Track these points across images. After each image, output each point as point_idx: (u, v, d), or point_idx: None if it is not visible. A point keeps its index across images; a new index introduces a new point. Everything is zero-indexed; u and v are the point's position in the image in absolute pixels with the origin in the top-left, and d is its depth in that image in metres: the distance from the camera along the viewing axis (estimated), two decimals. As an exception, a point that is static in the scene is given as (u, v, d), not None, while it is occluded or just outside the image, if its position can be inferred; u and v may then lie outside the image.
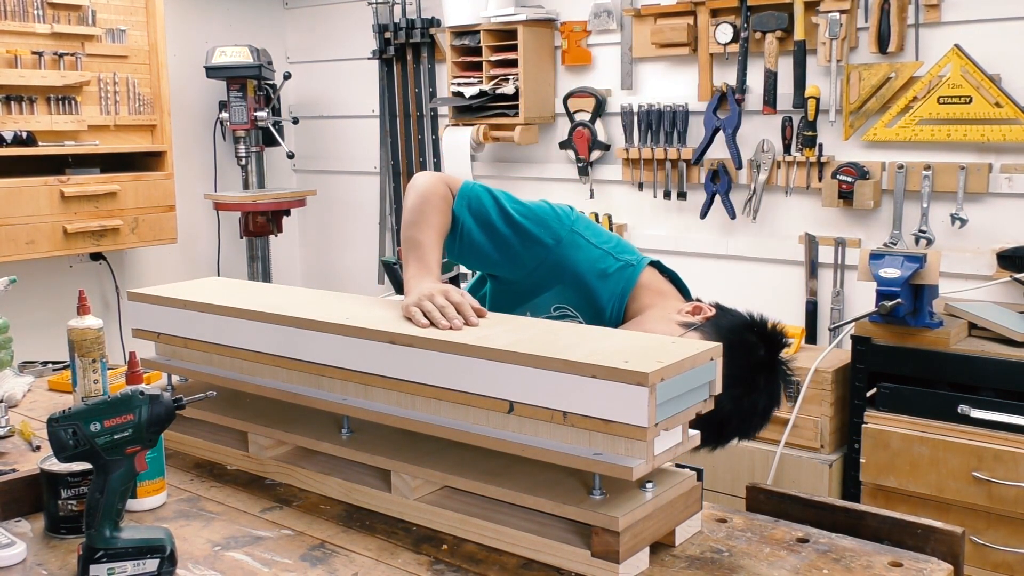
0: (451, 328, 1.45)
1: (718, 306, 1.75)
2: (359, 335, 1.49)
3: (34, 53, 3.55)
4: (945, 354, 2.63)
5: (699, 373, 1.30)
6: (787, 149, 3.33)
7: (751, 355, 1.61)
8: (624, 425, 1.22)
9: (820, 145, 3.24)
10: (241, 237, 4.42)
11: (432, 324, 1.47)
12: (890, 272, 2.60)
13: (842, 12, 3.09)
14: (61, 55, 3.60)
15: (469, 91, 3.84)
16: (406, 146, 4.41)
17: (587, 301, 1.81)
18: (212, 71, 4.12)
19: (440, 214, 1.76)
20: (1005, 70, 2.92)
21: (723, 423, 1.56)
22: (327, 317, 1.56)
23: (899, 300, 2.58)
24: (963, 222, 3.00)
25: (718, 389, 1.34)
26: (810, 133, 3.24)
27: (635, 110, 3.63)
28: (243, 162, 4.35)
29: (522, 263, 1.80)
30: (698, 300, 1.80)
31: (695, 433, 1.36)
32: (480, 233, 1.79)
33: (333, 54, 4.72)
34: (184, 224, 4.16)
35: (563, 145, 3.85)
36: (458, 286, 2.89)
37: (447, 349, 1.38)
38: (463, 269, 3.42)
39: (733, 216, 3.46)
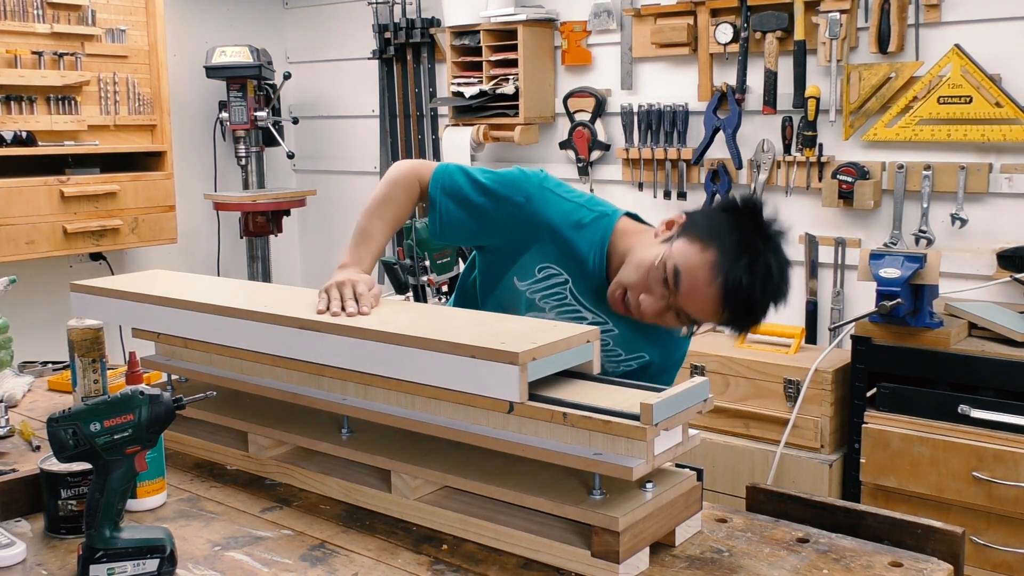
0: (339, 313, 1.58)
1: (687, 212, 1.78)
2: (283, 323, 1.57)
3: (34, 53, 3.55)
4: (945, 354, 2.63)
5: (573, 354, 1.39)
6: (787, 149, 3.33)
7: (735, 226, 1.63)
8: (621, 424, 1.22)
9: (820, 145, 3.24)
10: (241, 237, 4.42)
11: (328, 309, 1.60)
12: (890, 272, 2.60)
13: (842, 12, 3.09)
14: (61, 55, 3.60)
15: (469, 91, 3.84)
16: (406, 146, 4.41)
17: (567, 255, 1.82)
18: (212, 71, 4.12)
19: (398, 206, 1.86)
20: (1005, 70, 2.92)
21: (750, 296, 1.59)
22: (257, 307, 1.61)
23: (899, 300, 2.58)
24: (963, 222, 3.00)
25: (596, 368, 1.43)
26: (810, 133, 3.24)
27: (635, 110, 3.63)
28: (243, 162, 4.35)
29: (499, 227, 1.83)
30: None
31: (695, 433, 1.36)
32: (457, 209, 1.84)
33: (333, 54, 4.72)
34: (184, 224, 4.16)
35: (563, 145, 3.85)
36: (452, 288, 2.87)
37: (351, 334, 1.48)
38: (463, 268, 3.41)
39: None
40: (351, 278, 1.68)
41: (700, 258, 1.61)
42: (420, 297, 3.22)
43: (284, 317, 1.57)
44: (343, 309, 1.59)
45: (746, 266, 1.57)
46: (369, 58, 4.41)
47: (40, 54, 3.56)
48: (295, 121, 4.52)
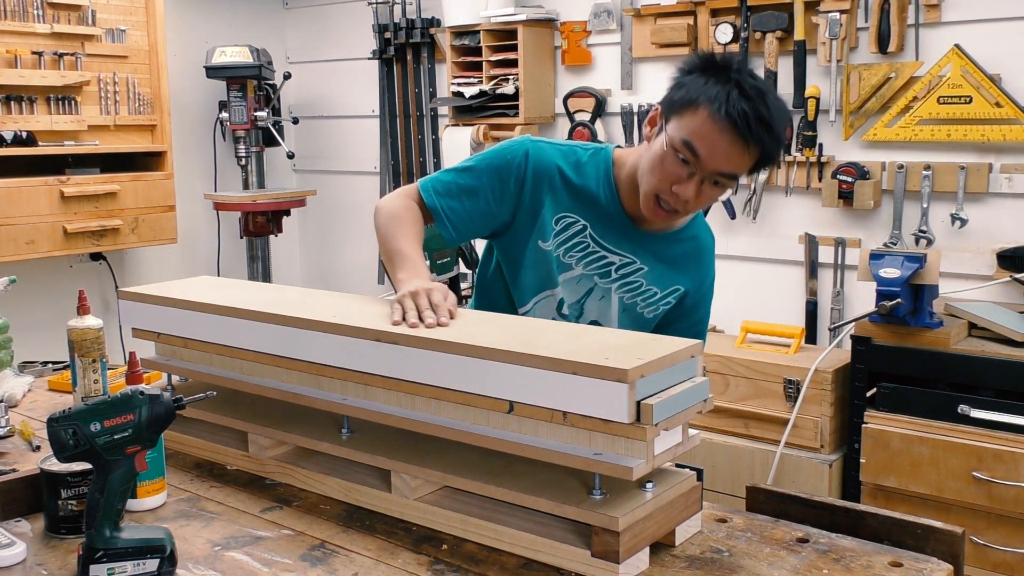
0: (417, 324, 1.48)
1: (660, 101, 1.78)
2: (359, 335, 1.49)
3: (34, 53, 3.55)
4: (945, 354, 2.63)
5: (679, 370, 1.31)
6: (787, 149, 3.33)
7: (707, 77, 1.65)
8: (619, 424, 1.22)
9: (820, 145, 3.24)
10: (241, 237, 4.42)
11: (405, 321, 1.49)
12: (890, 272, 2.60)
13: (842, 12, 3.09)
14: (61, 55, 3.60)
15: (469, 91, 3.84)
16: (406, 146, 4.41)
17: (579, 197, 1.84)
18: (212, 71, 4.12)
19: (411, 223, 1.80)
20: (1005, 70, 2.92)
21: (759, 115, 1.61)
22: (326, 317, 1.56)
23: (899, 300, 2.58)
24: (963, 222, 3.00)
25: (707, 394, 1.34)
26: (810, 133, 3.24)
27: (635, 110, 3.62)
28: (243, 162, 4.35)
29: (509, 193, 1.83)
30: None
31: (696, 433, 1.36)
32: (459, 202, 1.83)
33: (333, 54, 4.72)
34: (184, 224, 4.16)
35: (563, 145, 3.85)
36: (459, 286, 2.90)
37: (436, 347, 1.38)
38: (463, 268, 3.42)
39: (733, 216, 3.46)
40: (423, 286, 1.56)
41: (697, 118, 1.64)
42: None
43: (361, 329, 1.47)
44: (421, 320, 1.47)
45: (738, 95, 1.61)
46: (369, 58, 4.41)
47: (40, 54, 3.56)
48: (295, 121, 4.52)
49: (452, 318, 1.51)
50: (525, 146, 1.84)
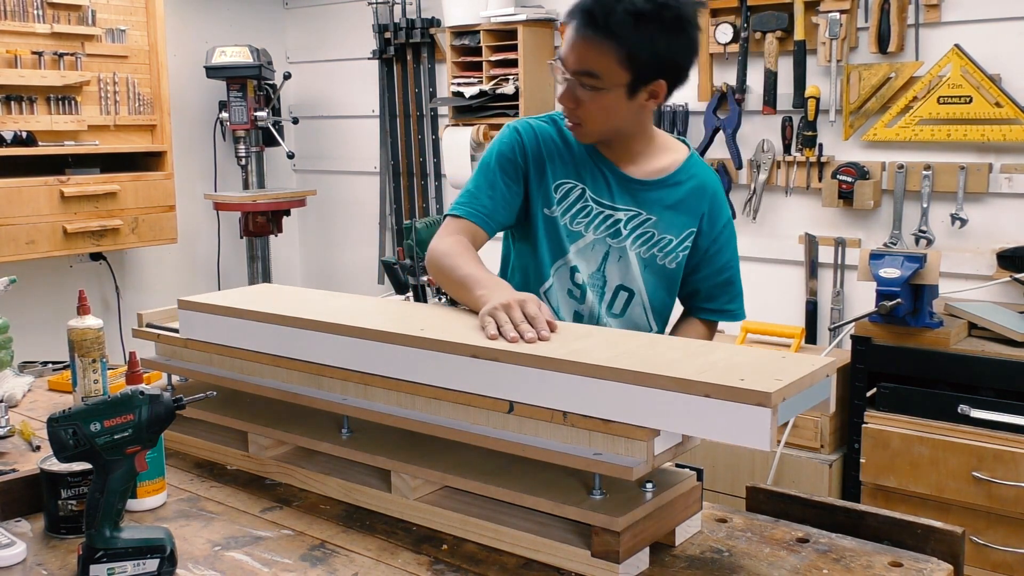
0: (516, 339, 1.39)
1: None
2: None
3: (34, 53, 3.55)
4: (945, 354, 2.63)
5: (815, 391, 1.24)
6: (787, 149, 3.33)
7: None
8: (625, 425, 1.22)
9: (820, 145, 3.24)
10: (241, 237, 4.42)
11: (501, 336, 1.41)
12: (890, 272, 2.60)
13: (842, 12, 3.09)
14: (61, 55, 3.60)
15: (469, 91, 3.84)
16: (406, 146, 4.41)
17: (574, 160, 1.88)
18: (212, 71, 4.12)
19: (465, 251, 1.78)
20: (1005, 70, 2.92)
21: (603, 4, 1.66)
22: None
23: (899, 300, 2.58)
24: (963, 222, 3.00)
25: (832, 408, 1.30)
26: (810, 133, 3.24)
27: (635, 110, 3.62)
28: (243, 162, 4.35)
29: (517, 168, 1.88)
30: None
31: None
32: (483, 199, 1.86)
33: (333, 54, 4.72)
34: (184, 224, 4.16)
35: (563, 145, 3.85)
36: None
37: (528, 363, 1.31)
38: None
39: (733, 216, 3.46)
40: (514, 297, 1.49)
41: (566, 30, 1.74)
42: (420, 297, 3.21)
43: (455, 344, 1.38)
44: (522, 336, 1.39)
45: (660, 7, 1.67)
46: (369, 58, 4.41)
47: (40, 54, 3.56)
48: (295, 121, 4.52)
49: (552, 331, 1.43)
50: (513, 126, 1.92)
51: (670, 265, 1.90)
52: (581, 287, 1.89)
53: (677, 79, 1.77)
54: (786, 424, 2.89)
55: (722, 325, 3.49)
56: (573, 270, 1.89)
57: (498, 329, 1.42)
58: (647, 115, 1.85)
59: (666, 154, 1.91)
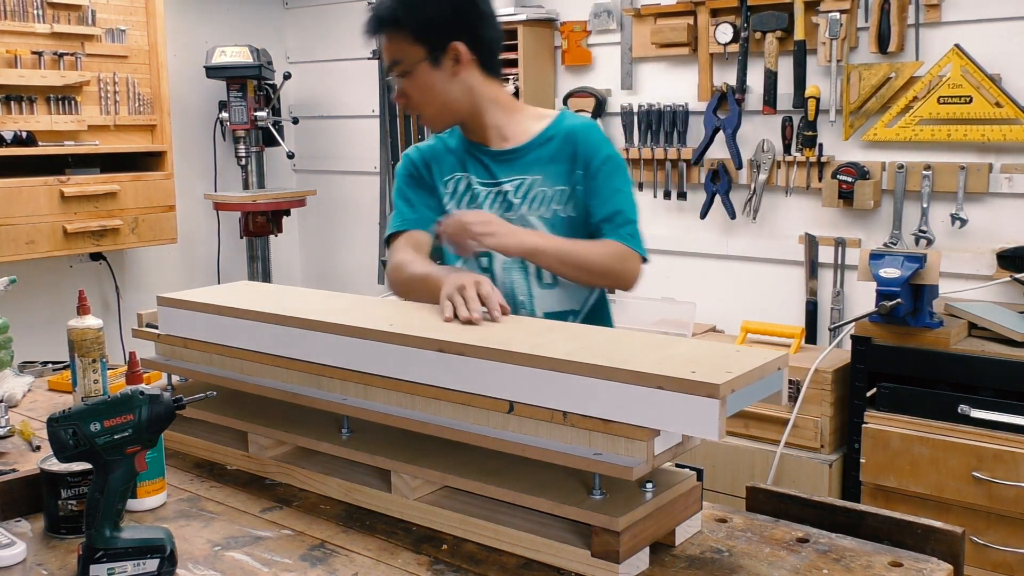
0: (470, 318, 1.49)
1: None
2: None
3: (34, 53, 3.55)
4: (945, 354, 2.63)
5: (766, 383, 1.27)
6: (787, 149, 3.33)
7: None
8: (626, 426, 1.22)
9: (820, 145, 3.24)
10: (241, 237, 4.42)
11: (457, 318, 1.51)
12: (890, 272, 2.60)
13: (842, 12, 3.09)
14: (61, 55, 3.60)
15: (469, 91, 3.84)
16: (406, 146, 4.40)
17: (456, 156, 2.03)
18: (212, 71, 4.12)
19: (414, 257, 1.94)
20: (1005, 70, 2.92)
21: (374, 10, 1.90)
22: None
23: (899, 300, 2.58)
24: (963, 222, 3.00)
25: (784, 400, 1.33)
26: (810, 133, 3.24)
27: (635, 110, 3.63)
28: (243, 162, 4.35)
29: (421, 178, 2.06)
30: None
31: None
32: (411, 209, 2.03)
33: (333, 54, 4.72)
34: (184, 224, 4.16)
35: (563, 145, 3.85)
36: None
37: (498, 358, 1.35)
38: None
39: (733, 216, 3.46)
40: (471, 279, 1.60)
41: None
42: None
43: (420, 339, 1.43)
44: (466, 312, 1.51)
45: None
46: (369, 58, 4.41)
47: (40, 54, 3.56)
48: (295, 121, 4.52)
49: (504, 313, 1.54)
50: (406, 152, 2.11)
51: (572, 213, 1.94)
52: (489, 270, 1.97)
53: (473, 38, 1.90)
54: (786, 423, 2.89)
55: (722, 325, 3.53)
56: (479, 257, 1.96)
57: (454, 312, 1.53)
58: (476, 85, 1.93)
59: (535, 121, 2.00)
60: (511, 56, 3.77)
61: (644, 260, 1.92)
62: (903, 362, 2.69)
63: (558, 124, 1.98)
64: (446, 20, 1.87)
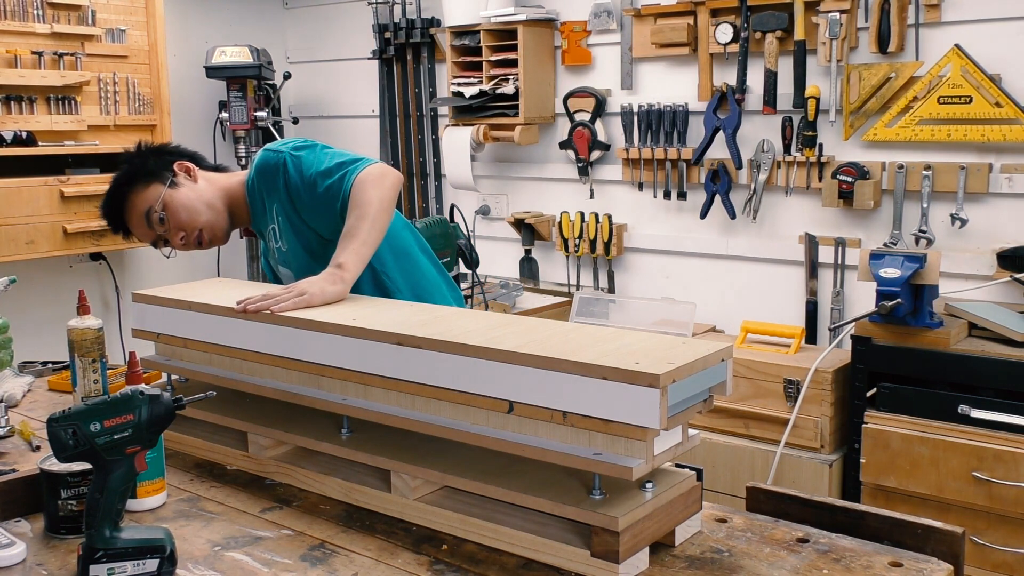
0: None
1: None
2: (360, 335, 1.49)
3: (34, 53, 3.55)
4: (945, 354, 2.63)
5: (709, 374, 1.30)
6: (787, 149, 3.33)
7: None
8: (627, 426, 1.22)
9: (820, 145, 3.24)
10: (241, 237, 4.40)
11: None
12: (890, 272, 2.60)
13: (842, 12, 3.09)
14: (61, 55, 3.60)
15: (469, 91, 3.84)
16: (406, 146, 4.41)
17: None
18: (212, 71, 4.12)
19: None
20: (1005, 70, 2.92)
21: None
22: (328, 317, 1.56)
23: (899, 300, 2.58)
24: (963, 222, 3.00)
25: (729, 390, 1.35)
26: (810, 133, 3.24)
27: (635, 110, 3.63)
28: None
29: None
30: None
31: (695, 433, 1.36)
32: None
33: (333, 54, 4.72)
34: (184, 224, 4.16)
35: (563, 145, 3.85)
36: (459, 285, 2.94)
37: (451, 350, 1.38)
38: (463, 267, 3.41)
39: (733, 216, 3.46)
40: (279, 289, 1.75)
41: None
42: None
43: (361, 329, 1.49)
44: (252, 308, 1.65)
45: None
46: (369, 58, 4.41)
47: (40, 54, 3.56)
48: (295, 121, 4.52)
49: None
50: None
51: (285, 247, 2.10)
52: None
53: (180, 154, 2.14)
54: (786, 423, 2.89)
55: (722, 325, 3.53)
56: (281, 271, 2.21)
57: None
58: (214, 181, 2.12)
59: (242, 178, 2.14)
60: (511, 56, 3.77)
61: (370, 162, 1.97)
62: (903, 362, 2.69)
63: (250, 173, 2.10)
64: (155, 158, 2.10)
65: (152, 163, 2.08)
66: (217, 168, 2.21)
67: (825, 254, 3.33)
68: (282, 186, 2.03)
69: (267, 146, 2.10)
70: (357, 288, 1.99)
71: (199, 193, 2.08)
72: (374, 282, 2.10)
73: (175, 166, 2.08)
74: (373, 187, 1.90)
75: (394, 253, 2.13)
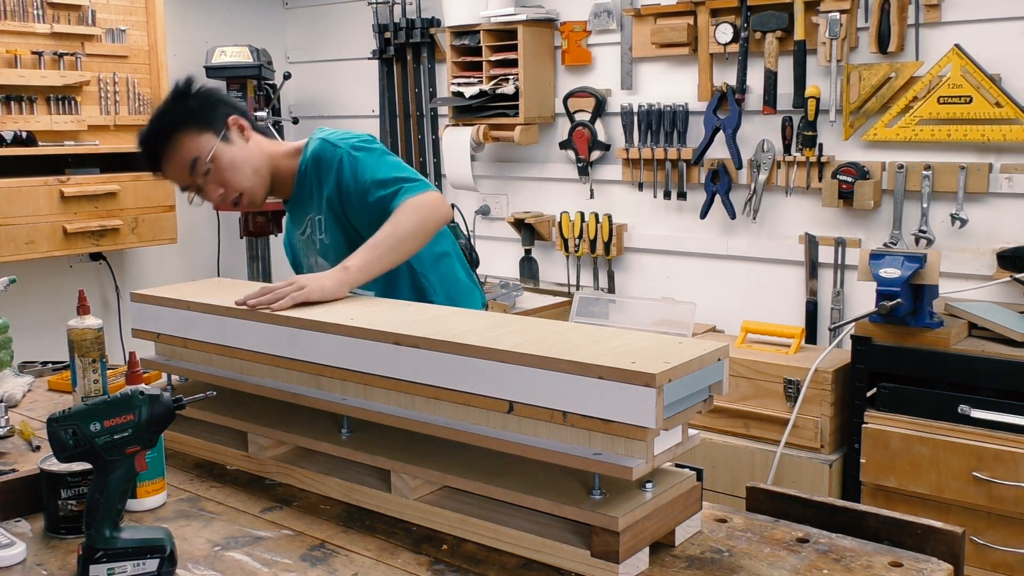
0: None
1: None
2: (360, 335, 1.49)
3: (34, 53, 3.55)
4: (945, 354, 2.63)
5: (706, 374, 1.30)
6: (787, 149, 3.33)
7: None
8: (626, 425, 1.22)
9: (820, 145, 3.24)
10: (241, 237, 4.42)
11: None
12: (890, 272, 2.60)
13: (842, 12, 3.09)
14: (61, 55, 3.60)
15: (469, 91, 3.84)
16: (406, 146, 4.41)
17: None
18: (212, 71, 4.12)
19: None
20: (1005, 70, 2.92)
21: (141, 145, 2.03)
22: (327, 317, 1.56)
23: (899, 300, 2.58)
24: (963, 222, 3.00)
25: (725, 390, 1.34)
26: (810, 133, 3.24)
27: (635, 110, 3.63)
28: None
29: None
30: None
31: (695, 433, 1.36)
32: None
33: (333, 54, 4.72)
34: (184, 224, 4.16)
35: (563, 145, 3.85)
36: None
37: (449, 349, 1.38)
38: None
39: (733, 216, 3.46)
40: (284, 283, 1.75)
41: None
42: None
43: (361, 329, 1.49)
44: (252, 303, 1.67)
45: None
46: (369, 58, 4.41)
47: (40, 54, 3.56)
48: (295, 121, 4.52)
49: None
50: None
51: (327, 240, 2.07)
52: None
53: (235, 108, 2.08)
54: (786, 423, 2.89)
55: (722, 325, 3.53)
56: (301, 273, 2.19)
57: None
58: (262, 145, 2.08)
59: (295, 158, 2.11)
60: (511, 56, 3.77)
61: (428, 188, 1.98)
62: (903, 362, 2.69)
63: (304, 156, 2.09)
64: (213, 106, 2.04)
65: (208, 111, 2.02)
66: (263, 132, 2.17)
67: (825, 254, 3.33)
68: (334, 181, 2.01)
69: (324, 135, 2.07)
70: (394, 289, 2.05)
71: (248, 155, 2.03)
72: (412, 283, 2.11)
73: (229, 120, 2.02)
74: (417, 212, 1.90)
75: (433, 256, 2.12)
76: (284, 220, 2.28)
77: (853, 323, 2.78)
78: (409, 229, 1.88)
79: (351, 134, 2.07)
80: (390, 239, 1.86)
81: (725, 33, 3.34)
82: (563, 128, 3.87)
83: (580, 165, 3.81)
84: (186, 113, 2.00)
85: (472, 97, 3.84)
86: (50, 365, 2.46)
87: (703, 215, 3.52)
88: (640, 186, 3.69)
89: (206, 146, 1.97)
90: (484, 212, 4.15)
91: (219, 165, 1.98)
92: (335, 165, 2.01)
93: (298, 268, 2.24)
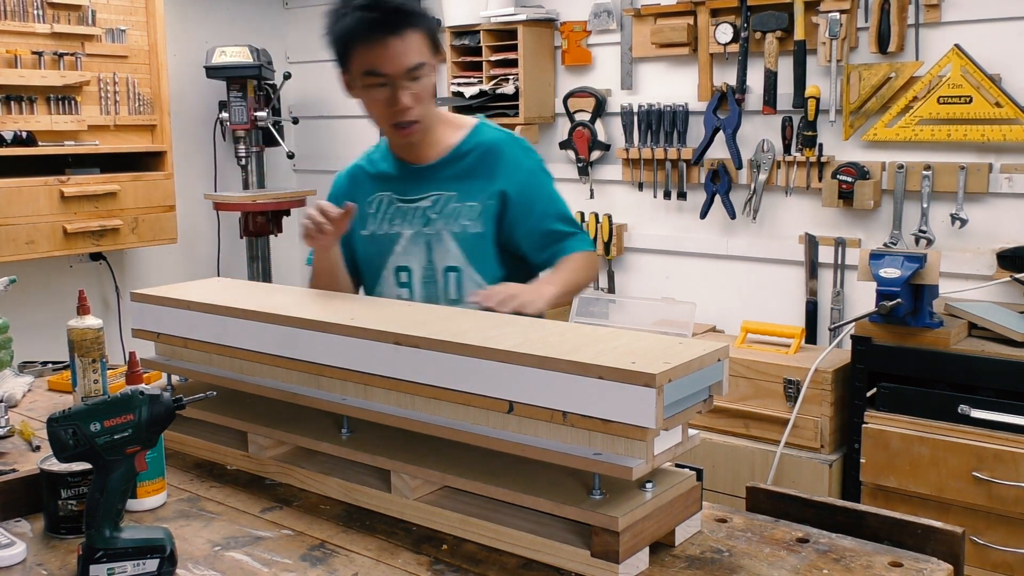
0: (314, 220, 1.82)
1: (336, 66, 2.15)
2: (360, 335, 1.49)
3: (34, 53, 3.55)
4: (945, 354, 2.63)
5: (706, 374, 1.30)
6: (787, 149, 3.33)
7: (331, 18, 2.13)
8: (626, 425, 1.22)
9: (820, 145, 3.24)
10: (241, 237, 4.42)
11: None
12: (890, 272, 2.60)
13: (842, 12, 3.09)
14: (61, 55, 3.60)
15: (469, 91, 3.84)
16: (406, 146, 4.40)
17: (379, 179, 2.16)
18: (212, 71, 4.12)
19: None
20: (1005, 70, 2.92)
21: (375, 7, 1.91)
22: (327, 317, 1.56)
23: (899, 300, 2.58)
24: (963, 222, 3.00)
25: (725, 390, 1.34)
26: (810, 133, 3.24)
27: (635, 110, 3.63)
28: (243, 162, 4.35)
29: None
30: None
31: (695, 433, 1.36)
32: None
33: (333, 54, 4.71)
34: (184, 224, 4.16)
35: (563, 145, 3.85)
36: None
37: (448, 349, 1.38)
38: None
39: (733, 216, 3.46)
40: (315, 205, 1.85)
41: (353, 52, 2.01)
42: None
43: (361, 329, 1.49)
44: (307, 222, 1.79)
45: (352, 10, 1.98)
46: (369, 58, 4.40)
47: (40, 54, 3.56)
48: (295, 121, 4.52)
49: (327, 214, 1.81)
50: (339, 174, 2.21)
51: (480, 229, 1.99)
52: (408, 285, 2.04)
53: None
54: (786, 423, 2.89)
55: (722, 325, 3.53)
56: (398, 272, 2.05)
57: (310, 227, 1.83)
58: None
59: (453, 131, 2.06)
60: (511, 56, 3.77)
61: (589, 241, 2.11)
62: (903, 362, 2.69)
63: (475, 136, 2.04)
64: (436, 32, 1.96)
65: (439, 36, 1.99)
66: None
67: (825, 254, 3.33)
68: (517, 185, 1.99)
69: (517, 137, 2.07)
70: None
71: (432, 91, 1.99)
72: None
73: (440, 55, 1.99)
74: (592, 270, 2.04)
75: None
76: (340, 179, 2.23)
77: (853, 323, 2.78)
78: (585, 284, 2.01)
79: (532, 148, 2.10)
80: (575, 285, 1.97)
81: (725, 33, 3.35)
82: (563, 128, 3.87)
83: (580, 165, 3.81)
84: (430, 23, 1.95)
85: (472, 97, 3.84)
86: (50, 365, 2.46)
87: (703, 215, 3.52)
88: (640, 186, 3.69)
89: (430, 63, 1.93)
90: (484, 212, 4.15)
91: (426, 83, 1.93)
92: (525, 170, 2.01)
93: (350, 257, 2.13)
